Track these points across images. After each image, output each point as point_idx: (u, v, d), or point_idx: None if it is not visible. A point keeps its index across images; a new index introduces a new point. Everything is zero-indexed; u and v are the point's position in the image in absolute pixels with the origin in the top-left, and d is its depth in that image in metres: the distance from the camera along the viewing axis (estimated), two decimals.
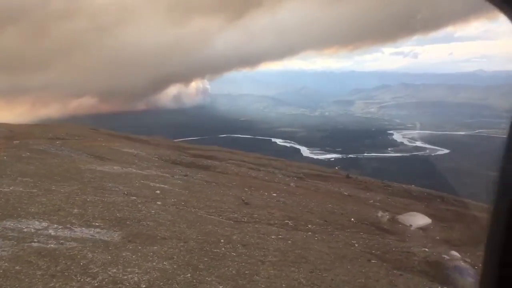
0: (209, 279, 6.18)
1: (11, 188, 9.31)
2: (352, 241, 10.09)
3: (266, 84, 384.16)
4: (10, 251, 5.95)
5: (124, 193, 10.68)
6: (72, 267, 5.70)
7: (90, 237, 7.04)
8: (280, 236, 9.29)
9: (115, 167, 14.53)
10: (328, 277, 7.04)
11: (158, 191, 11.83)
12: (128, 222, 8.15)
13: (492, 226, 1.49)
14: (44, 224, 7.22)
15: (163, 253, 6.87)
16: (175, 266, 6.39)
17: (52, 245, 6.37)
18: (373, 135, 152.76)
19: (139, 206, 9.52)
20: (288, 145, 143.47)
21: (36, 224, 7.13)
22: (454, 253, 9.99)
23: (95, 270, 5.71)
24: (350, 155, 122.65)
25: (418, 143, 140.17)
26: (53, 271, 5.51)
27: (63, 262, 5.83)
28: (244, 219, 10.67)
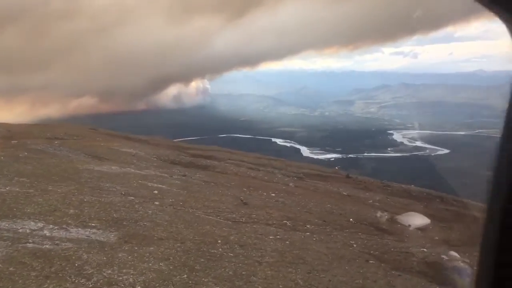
0: (205, 280, 6.13)
1: (7, 188, 9.26)
2: (351, 242, 10.04)
3: (266, 84, 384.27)
4: (5, 252, 5.90)
5: (121, 193, 10.62)
6: (67, 268, 5.65)
7: (86, 237, 6.99)
8: (278, 237, 9.24)
9: (113, 167, 14.47)
10: (326, 278, 6.99)
11: (156, 191, 11.78)
12: (124, 223, 8.10)
13: (487, 226, 1.47)
14: (40, 224, 7.17)
15: (159, 253, 6.82)
16: (171, 267, 6.34)
17: (47, 246, 6.32)
18: (373, 135, 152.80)
19: (136, 206, 9.47)
20: (288, 145, 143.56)
21: (31, 225, 7.08)
22: (453, 253, 9.95)
23: (90, 271, 5.66)
24: (350, 155, 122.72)
25: (418, 143, 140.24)
26: (47, 272, 5.46)
27: (58, 263, 5.78)
28: (242, 219, 10.61)
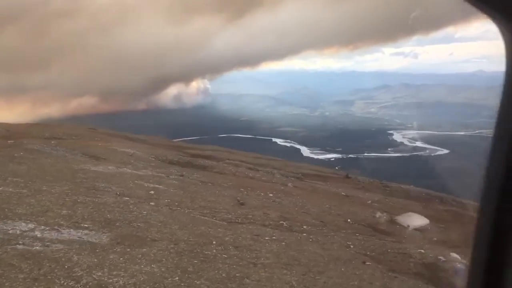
0: (198, 282, 6.03)
1: (0, 188, 9.16)
2: (348, 243, 9.94)
3: (267, 84, 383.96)
4: None
5: (116, 194, 10.52)
6: (56, 270, 5.55)
7: (78, 239, 6.89)
8: (274, 238, 9.14)
9: (109, 167, 14.37)
10: (321, 280, 6.89)
11: (152, 192, 11.67)
12: (118, 224, 7.99)
13: (480, 225, 1.51)
14: (31, 225, 7.06)
15: (152, 255, 6.72)
16: (163, 269, 6.24)
17: (37, 248, 6.22)
18: (373, 135, 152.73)
19: (131, 207, 9.36)
20: (288, 145, 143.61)
21: (22, 226, 6.97)
22: (452, 254, 9.85)
23: (80, 273, 5.56)
24: (350, 155, 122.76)
25: (418, 143, 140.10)
26: (35, 275, 5.36)
27: (47, 265, 5.68)
28: (238, 220, 10.52)
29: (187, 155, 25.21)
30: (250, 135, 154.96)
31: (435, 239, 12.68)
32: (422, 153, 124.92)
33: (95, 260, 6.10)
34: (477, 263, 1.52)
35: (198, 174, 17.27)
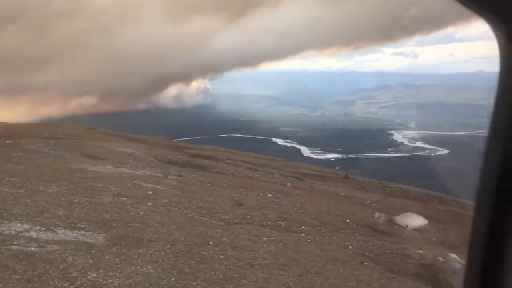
0: (194, 283, 5.99)
1: None
2: (346, 243, 9.90)
3: (267, 84, 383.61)
4: None
5: (114, 194, 10.47)
6: (50, 272, 5.51)
7: (73, 239, 6.84)
8: (272, 238, 9.09)
9: (107, 167, 14.32)
10: (318, 281, 6.85)
11: (150, 192, 11.62)
12: (114, 224, 7.95)
13: (475, 225, 1.52)
14: (26, 226, 7.01)
15: (148, 256, 6.67)
16: (159, 270, 6.20)
17: (32, 248, 6.18)
18: (374, 135, 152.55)
19: (128, 207, 9.32)
20: (288, 145, 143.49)
21: (17, 226, 6.93)
22: (451, 254, 9.80)
23: (74, 275, 5.52)
24: (350, 155, 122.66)
25: (418, 144, 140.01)
26: (30, 276, 5.32)
27: (42, 266, 5.64)
28: (236, 220, 10.47)
29: (187, 155, 25.17)
30: (250, 135, 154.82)
31: (434, 239, 12.64)
32: (422, 153, 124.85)
33: (91, 261, 6.06)
34: (473, 263, 1.53)
35: (197, 174, 17.21)
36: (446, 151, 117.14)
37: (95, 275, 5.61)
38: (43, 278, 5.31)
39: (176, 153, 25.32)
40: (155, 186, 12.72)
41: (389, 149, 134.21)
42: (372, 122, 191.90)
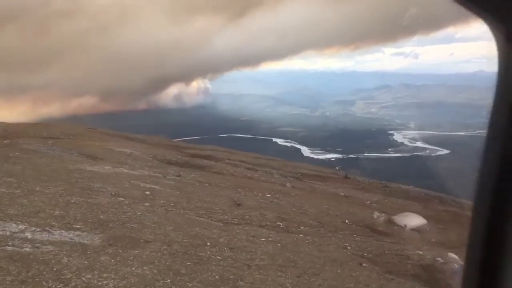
0: (190, 284, 5.93)
1: None
2: (345, 244, 9.83)
3: (267, 84, 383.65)
4: None
5: (111, 194, 10.40)
6: (45, 273, 5.44)
7: (69, 240, 6.77)
8: (270, 239, 9.03)
9: (106, 167, 14.26)
10: (316, 282, 6.78)
11: (147, 192, 11.55)
12: (111, 225, 7.88)
13: (474, 225, 1.52)
14: (21, 226, 6.95)
15: (144, 257, 6.61)
16: (155, 271, 6.13)
17: (26, 249, 6.11)
18: (374, 135, 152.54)
19: (125, 207, 9.25)
20: (288, 145, 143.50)
21: (12, 227, 6.86)
22: (450, 255, 9.73)
23: (69, 276, 5.45)
24: (350, 155, 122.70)
25: (419, 144, 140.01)
26: (23, 277, 5.25)
27: (36, 267, 5.57)
28: (234, 220, 10.40)
29: (186, 155, 25.11)
30: (250, 135, 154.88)
31: (434, 240, 12.58)
32: (423, 153, 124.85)
33: (86, 262, 5.99)
34: (471, 263, 1.54)
35: (195, 174, 17.15)
36: (446, 151, 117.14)
37: (89, 276, 5.54)
38: (37, 279, 5.25)
39: (175, 153, 25.27)
40: (153, 186, 12.65)
41: (389, 149, 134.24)
42: (372, 122, 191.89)
